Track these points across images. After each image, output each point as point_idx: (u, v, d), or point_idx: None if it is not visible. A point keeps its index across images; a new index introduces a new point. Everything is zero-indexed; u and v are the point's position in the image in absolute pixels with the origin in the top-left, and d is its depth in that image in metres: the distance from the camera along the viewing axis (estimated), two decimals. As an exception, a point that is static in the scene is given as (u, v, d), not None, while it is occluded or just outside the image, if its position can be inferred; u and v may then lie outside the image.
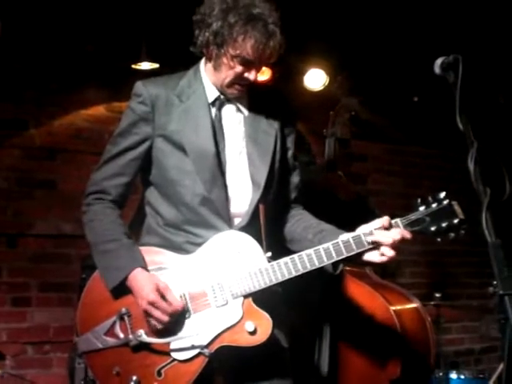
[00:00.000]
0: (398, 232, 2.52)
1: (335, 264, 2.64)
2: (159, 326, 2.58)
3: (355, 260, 2.63)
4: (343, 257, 2.56)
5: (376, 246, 2.54)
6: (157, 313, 2.55)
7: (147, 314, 2.58)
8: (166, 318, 2.55)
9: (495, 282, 2.13)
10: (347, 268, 3.80)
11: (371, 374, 3.59)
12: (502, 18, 5.07)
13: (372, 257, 2.58)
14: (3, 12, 4.57)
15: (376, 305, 3.64)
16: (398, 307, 3.69)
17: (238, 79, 2.66)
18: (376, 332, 3.58)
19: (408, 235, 2.53)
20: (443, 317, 4.44)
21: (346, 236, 2.57)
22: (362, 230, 2.57)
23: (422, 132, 6.59)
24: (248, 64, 2.61)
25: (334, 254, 2.55)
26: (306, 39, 4.81)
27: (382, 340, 3.60)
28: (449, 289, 6.25)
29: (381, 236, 2.53)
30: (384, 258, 2.55)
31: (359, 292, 3.72)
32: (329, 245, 2.55)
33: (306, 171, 4.01)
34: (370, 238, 2.54)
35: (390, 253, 2.53)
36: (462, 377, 4.46)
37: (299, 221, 2.88)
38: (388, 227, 2.54)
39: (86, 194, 2.80)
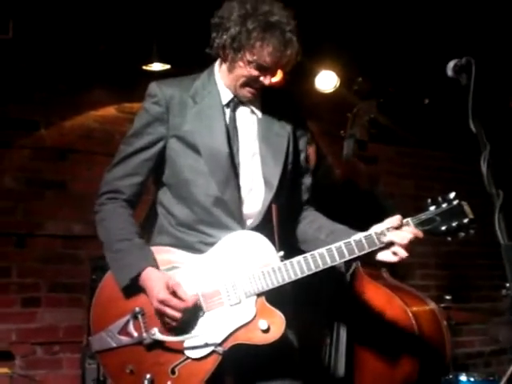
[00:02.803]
0: (410, 231, 2.54)
1: (347, 264, 2.65)
2: (173, 324, 2.59)
3: (369, 259, 2.64)
4: (355, 255, 2.58)
5: (388, 245, 2.56)
6: (168, 310, 2.56)
7: (160, 313, 2.59)
8: (178, 315, 2.56)
9: (508, 284, 2.14)
10: (364, 269, 3.80)
11: (388, 376, 3.59)
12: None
13: (384, 256, 2.59)
14: (14, 13, 4.59)
15: (394, 306, 3.64)
16: (415, 309, 3.68)
17: (252, 82, 2.68)
18: (393, 333, 3.58)
19: (420, 234, 2.55)
20: (453, 319, 4.43)
21: (359, 236, 2.59)
22: (374, 229, 2.59)
23: (434, 134, 6.59)
24: (263, 69, 2.64)
25: (346, 253, 2.57)
26: (318, 41, 4.80)
27: (399, 342, 3.60)
28: (459, 291, 6.23)
29: (394, 236, 2.54)
30: (396, 258, 2.57)
31: (376, 293, 3.72)
32: (341, 243, 2.57)
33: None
34: (383, 238, 2.55)
35: (403, 253, 2.55)
36: (472, 379, 4.44)
37: (312, 222, 2.91)
38: (399, 227, 2.56)
39: (99, 194, 2.81)
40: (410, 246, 2.55)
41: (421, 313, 3.72)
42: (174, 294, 2.57)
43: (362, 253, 2.57)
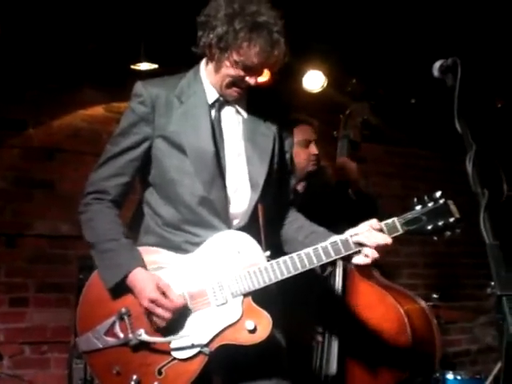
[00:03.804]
0: (381, 236, 2.56)
1: (323, 266, 2.68)
2: (162, 324, 2.59)
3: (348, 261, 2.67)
4: (342, 255, 2.59)
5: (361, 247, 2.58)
6: (159, 310, 2.56)
7: (149, 313, 2.59)
8: (168, 315, 2.57)
9: (493, 283, 2.15)
10: (356, 268, 3.81)
11: (379, 374, 3.61)
12: (500, 22, 5.08)
13: (358, 259, 2.62)
14: (3, 12, 4.58)
15: (386, 304, 3.68)
16: (407, 307, 3.71)
17: (238, 82, 2.67)
18: (386, 331, 3.60)
19: (389, 241, 2.56)
20: (441, 318, 4.45)
21: (335, 238, 2.61)
22: (350, 232, 2.61)
23: (420, 134, 6.61)
24: (250, 70, 2.63)
25: (332, 253, 2.58)
26: (305, 41, 4.82)
27: (391, 340, 3.61)
28: (446, 290, 6.25)
29: (364, 238, 2.57)
30: (368, 260, 2.59)
31: (369, 292, 3.75)
32: (327, 244, 2.58)
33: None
34: (355, 239, 2.58)
35: (373, 253, 2.57)
36: (459, 377, 4.47)
37: (292, 222, 2.93)
38: (377, 230, 2.57)
39: (84, 194, 2.80)
40: (380, 248, 2.57)
41: (412, 311, 3.75)
42: (163, 294, 2.58)
43: (339, 256, 2.59)
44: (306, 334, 3.79)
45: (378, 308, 3.69)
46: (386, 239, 2.56)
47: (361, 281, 3.80)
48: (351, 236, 2.59)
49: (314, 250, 2.58)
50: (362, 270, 3.84)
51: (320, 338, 3.75)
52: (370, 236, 2.56)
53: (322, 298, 3.79)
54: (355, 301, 3.76)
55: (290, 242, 2.86)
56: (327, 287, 3.79)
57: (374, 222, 2.59)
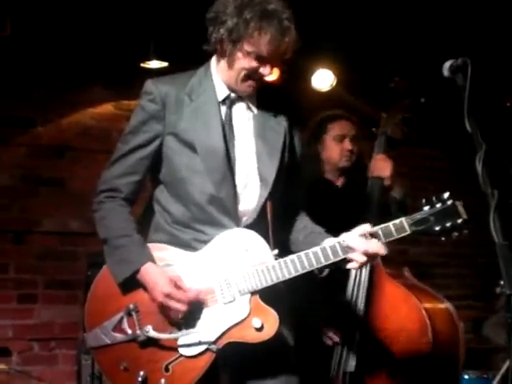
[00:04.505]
0: (372, 243, 2.55)
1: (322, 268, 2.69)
2: (177, 318, 2.60)
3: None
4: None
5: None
6: (174, 303, 2.57)
7: (163, 307, 2.60)
8: (183, 308, 2.57)
9: (502, 282, 2.15)
10: (384, 267, 3.82)
11: (398, 374, 3.61)
12: (510, 22, 5.07)
13: (349, 264, 2.61)
14: (12, 10, 4.60)
15: (409, 305, 3.66)
16: (431, 308, 3.69)
17: (252, 74, 2.67)
18: (407, 332, 3.61)
19: (382, 251, 2.56)
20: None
21: (333, 241, 2.61)
22: (344, 237, 2.61)
23: (430, 134, 6.59)
24: (263, 59, 2.62)
25: (340, 253, 2.57)
26: (314, 39, 4.81)
27: (413, 342, 3.62)
28: (454, 289, 6.26)
29: (353, 242, 2.56)
30: (355, 265, 2.59)
31: (394, 291, 3.73)
32: (335, 243, 2.58)
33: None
34: (346, 244, 2.58)
35: (360, 258, 2.56)
36: (466, 377, 4.46)
37: (297, 222, 2.92)
38: (369, 235, 2.56)
39: (97, 192, 2.81)
40: (369, 254, 2.56)
41: (436, 313, 3.73)
42: (177, 287, 2.58)
43: (338, 258, 2.58)
44: (324, 331, 3.79)
45: (402, 308, 3.67)
46: (378, 247, 2.56)
47: (387, 279, 3.78)
48: (343, 241, 2.58)
49: (321, 249, 2.58)
50: (392, 268, 3.85)
51: (336, 338, 3.74)
52: (357, 239, 2.56)
53: (344, 294, 3.79)
54: (380, 298, 3.75)
55: (294, 242, 2.86)
56: (349, 283, 3.78)
57: (366, 226, 2.59)
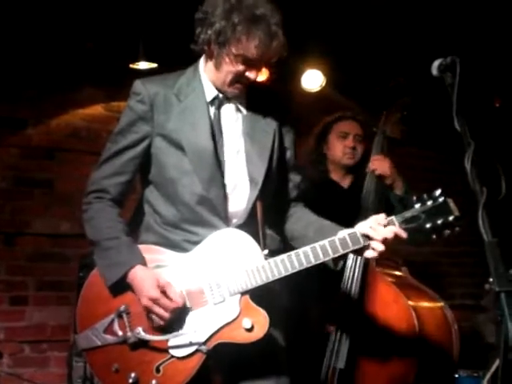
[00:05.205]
0: (392, 230, 2.53)
1: (336, 260, 2.65)
2: (160, 323, 2.59)
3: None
4: (339, 254, 2.57)
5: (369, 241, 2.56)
6: (158, 309, 2.57)
7: (148, 311, 2.60)
8: (167, 315, 2.57)
9: (491, 279, 2.15)
10: (378, 265, 3.84)
11: (384, 373, 3.62)
12: (499, 21, 5.09)
13: (367, 253, 2.58)
14: (2, 10, 4.59)
15: (399, 304, 3.67)
16: (421, 308, 3.71)
17: (240, 78, 2.66)
18: (394, 331, 3.61)
19: (403, 234, 2.54)
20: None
21: (343, 233, 2.58)
22: (359, 227, 2.58)
23: (419, 133, 6.59)
24: (250, 63, 2.62)
25: (330, 251, 2.56)
26: (304, 40, 4.82)
27: (398, 340, 3.62)
28: (444, 288, 6.25)
29: (372, 231, 2.54)
30: (374, 253, 2.56)
31: (385, 290, 3.75)
32: (325, 242, 2.56)
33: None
34: (363, 233, 2.55)
35: (379, 246, 2.53)
36: (457, 375, 4.46)
37: (299, 218, 2.90)
38: (384, 224, 2.55)
39: (86, 193, 2.81)
40: (388, 242, 2.54)
41: (428, 312, 3.74)
42: (163, 293, 2.58)
43: (346, 251, 2.57)
44: (318, 326, 3.80)
45: (392, 307, 3.68)
46: (398, 232, 2.52)
47: (379, 278, 3.80)
48: (360, 231, 2.55)
49: (311, 248, 2.56)
50: (386, 267, 3.86)
51: (332, 329, 3.75)
52: (376, 227, 2.53)
53: (337, 291, 3.79)
54: (372, 297, 3.75)
55: (299, 238, 2.82)
56: (343, 280, 3.79)
57: (381, 216, 2.57)
